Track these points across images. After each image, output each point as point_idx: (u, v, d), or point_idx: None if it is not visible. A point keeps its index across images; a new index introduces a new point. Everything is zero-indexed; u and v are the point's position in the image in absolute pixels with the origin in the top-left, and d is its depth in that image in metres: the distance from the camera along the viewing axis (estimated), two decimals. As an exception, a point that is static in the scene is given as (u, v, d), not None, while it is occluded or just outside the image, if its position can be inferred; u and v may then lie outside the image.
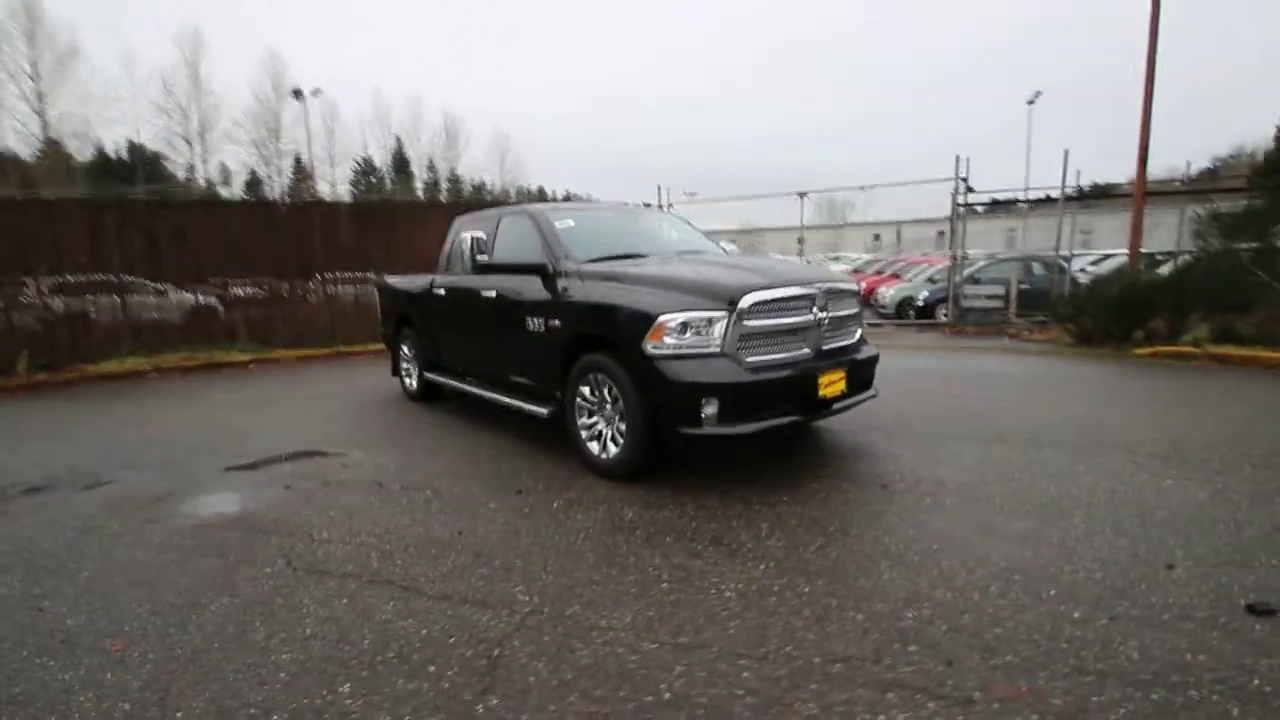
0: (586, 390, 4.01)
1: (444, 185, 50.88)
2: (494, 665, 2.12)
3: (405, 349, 6.66)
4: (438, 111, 61.08)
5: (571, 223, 4.63)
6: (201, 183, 38.73)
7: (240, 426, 5.76)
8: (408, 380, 6.69)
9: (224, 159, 43.01)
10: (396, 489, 3.92)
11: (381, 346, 11.17)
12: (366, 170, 49.06)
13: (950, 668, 2.03)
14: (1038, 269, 13.05)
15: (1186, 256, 10.09)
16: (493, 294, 4.84)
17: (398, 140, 50.35)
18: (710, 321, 3.44)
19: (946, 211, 11.88)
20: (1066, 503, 3.28)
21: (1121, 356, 7.57)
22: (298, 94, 27.27)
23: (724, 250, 5.35)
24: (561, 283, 4.18)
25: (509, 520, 3.35)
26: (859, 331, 4.24)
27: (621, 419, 3.78)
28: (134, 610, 2.60)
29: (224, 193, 39.43)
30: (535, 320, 4.35)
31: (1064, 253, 10.83)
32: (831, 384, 3.78)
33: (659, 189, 13.58)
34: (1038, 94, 27.62)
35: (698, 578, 2.64)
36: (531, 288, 4.42)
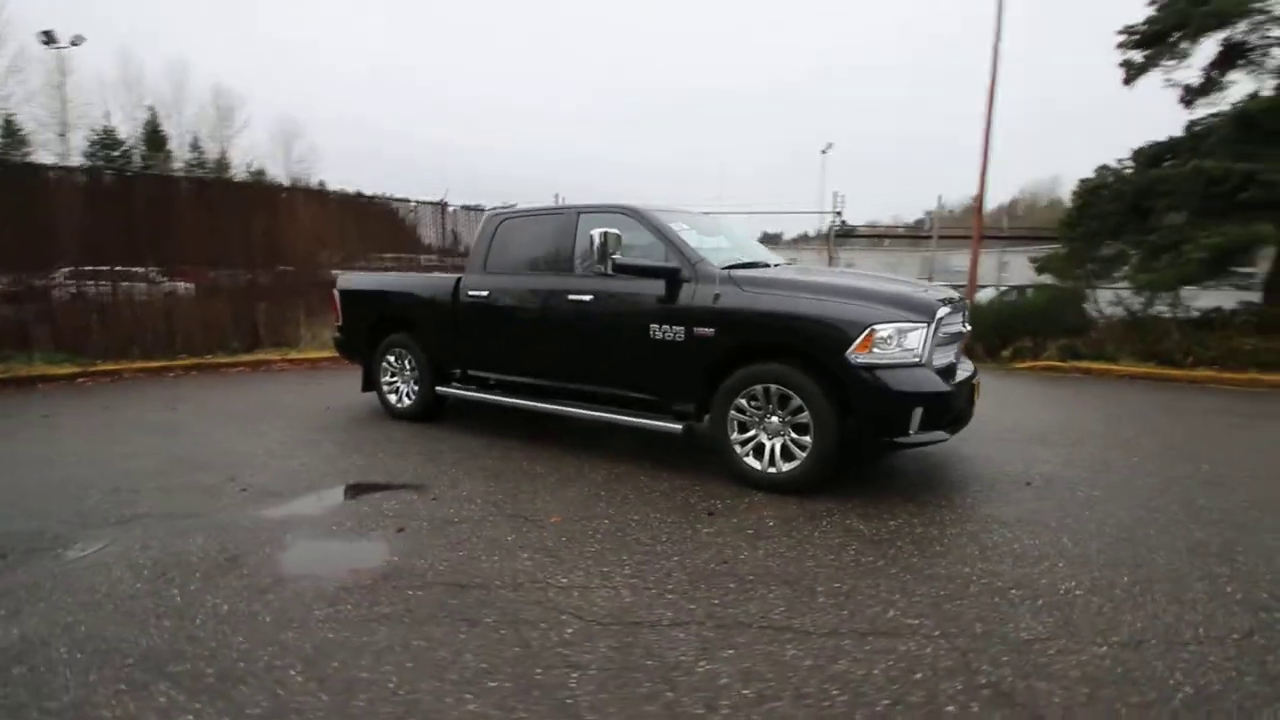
0: (744, 402, 3.83)
1: (212, 168, 43.42)
2: (1003, 693, 1.97)
3: (392, 360, 5.66)
4: (208, 84, 51.05)
5: (685, 225, 4.38)
6: None
7: (191, 457, 4.43)
8: (393, 397, 5.69)
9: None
10: (558, 522, 3.36)
11: (259, 357, 9.43)
12: (107, 143, 40.06)
13: (1321, 629, 2.36)
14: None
15: (1003, 289, 12.55)
16: (587, 298, 4.37)
17: (152, 111, 42.00)
18: (913, 332, 3.52)
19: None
20: (1179, 491, 3.91)
21: (1007, 370, 9.16)
22: (48, 38, 21.04)
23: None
24: (709, 289, 3.93)
25: (751, 544, 3.08)
26: (958, 344, 4.62)
27: (800, 431, 3.68)
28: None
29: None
30: (667, 329, 4.03)
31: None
32: (975, 391, 4.09)
33: (556, 197, 13.19)
34: (830, 145, 32.20)
35: (1028, 583, 2.70)
36: (651, 292, 4.10)
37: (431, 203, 12.06)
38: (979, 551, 2.99)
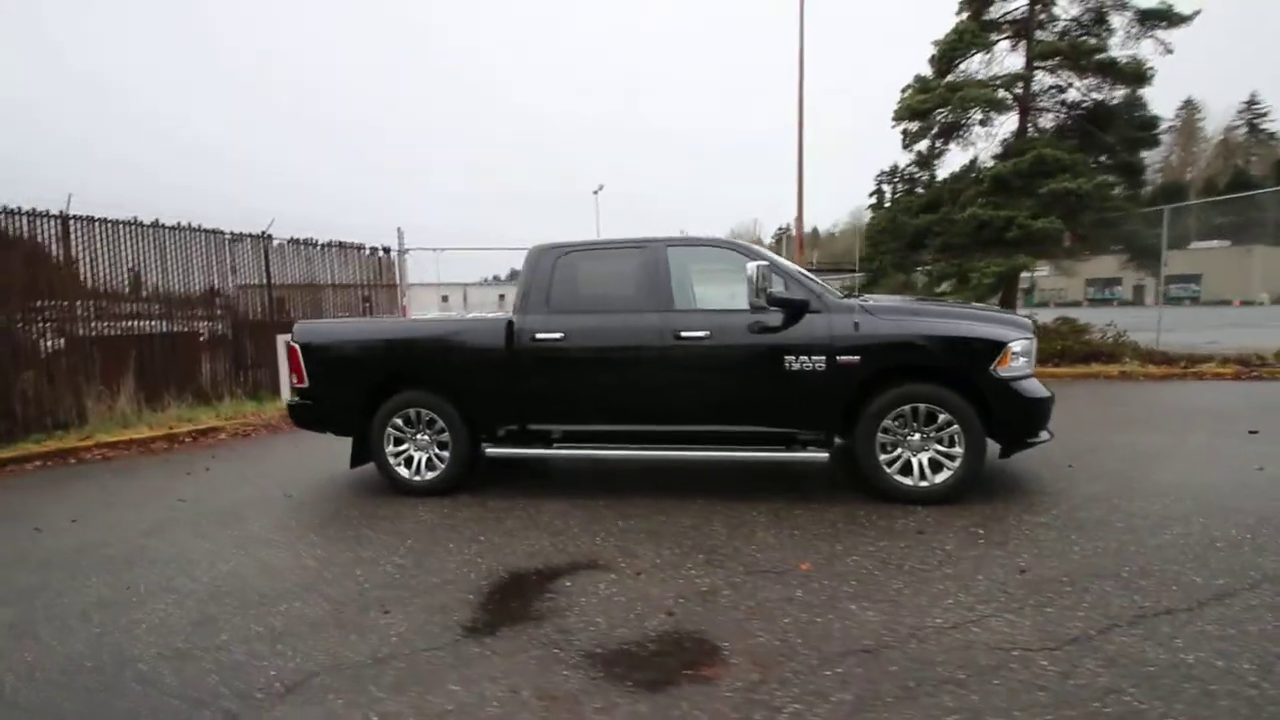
0: (891, 423, 4.06)
1: None
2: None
3: (401, 424, 4.64)
4: None
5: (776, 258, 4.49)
6: None
7: (222, 588, 3.20)
8: (405, 470, 4.66)
9: None
10: (809, 570, 3.19)
11: (52, 446, 6.84)
12: None
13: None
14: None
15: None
16: (702, 334, 4.19)
17: None
18: (1027, 346, 4.10)
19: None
20: (1155, 452, 5.14)
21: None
22: None
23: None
24: (846, 318, 4.07)
25: (1006, 552, 3.29)
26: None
27: (950, 443, 4.01)
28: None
29: None
30: (805, 359, 4.06)
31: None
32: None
33: (399, 232, 11.88)
34: (601, 186, 34.16)
35: (1201, 533, 3.37)
36: (777, 325, 4.11)
37: (252, 235, 9.95)
38: (1138, 522, 3.60)
